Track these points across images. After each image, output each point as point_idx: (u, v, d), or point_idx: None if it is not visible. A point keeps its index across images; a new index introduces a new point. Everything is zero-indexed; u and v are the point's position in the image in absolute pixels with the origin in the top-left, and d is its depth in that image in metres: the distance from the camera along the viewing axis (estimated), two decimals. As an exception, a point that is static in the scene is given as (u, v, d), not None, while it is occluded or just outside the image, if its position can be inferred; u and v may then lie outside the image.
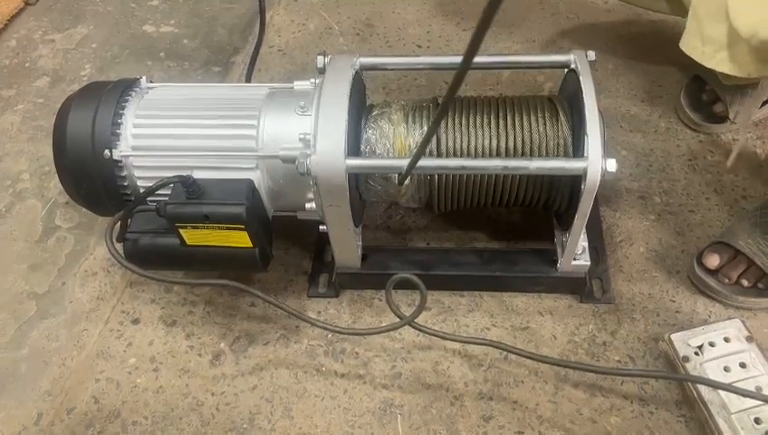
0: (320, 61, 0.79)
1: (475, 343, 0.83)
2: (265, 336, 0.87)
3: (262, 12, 1.04)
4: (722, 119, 1.05)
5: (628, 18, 1.27)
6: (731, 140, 1.06)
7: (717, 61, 0.84)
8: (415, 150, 0.78)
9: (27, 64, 1.31)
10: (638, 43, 1.24)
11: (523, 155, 0.77)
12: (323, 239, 0.90)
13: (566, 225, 0.81)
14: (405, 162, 0.76)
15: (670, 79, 1.16)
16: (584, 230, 0.79)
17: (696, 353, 0.77)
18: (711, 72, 0.92)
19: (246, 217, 0.73)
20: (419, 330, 0.79)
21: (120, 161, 0.79)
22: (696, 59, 0.87)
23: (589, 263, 0.83)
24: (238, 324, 0.89)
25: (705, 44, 0.85)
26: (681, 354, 0.77)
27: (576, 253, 0.82)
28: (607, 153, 0.71)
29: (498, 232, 0.95)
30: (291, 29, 1.32)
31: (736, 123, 1.04)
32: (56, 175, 1.07)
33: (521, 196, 0.81)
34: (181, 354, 0.86)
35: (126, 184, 0.80)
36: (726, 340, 0.78)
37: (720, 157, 1.04)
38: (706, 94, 1.07)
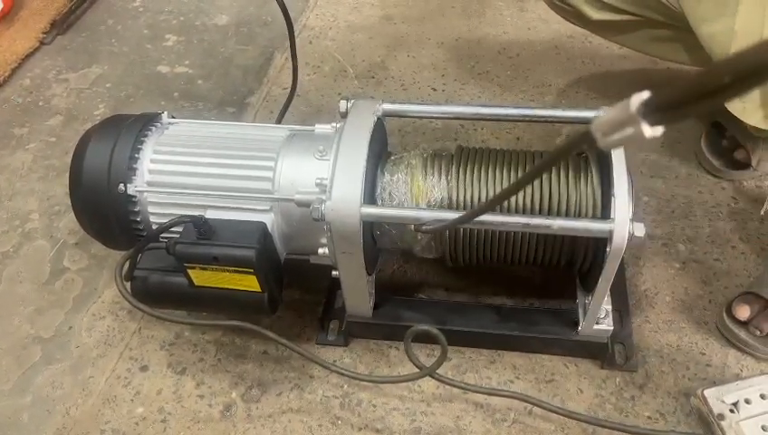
0: (342, 105, 0.77)
1: (498, 395, 0.79)
2: (278, 386, 0.84)
3: (294, 59, 1.04)
4: (744, 165, 1.04)
5: (644, 65, 1.27)
6: (754, 187, 1.04)
7: (759, 118, 0.85)
8: (434, 200, 0.76)
9: (40, 103, 1.31)
10: (655, 89, 1.23)
11: (548, 212, 0.73)
12: (335, 285, 0.87)
13: (589, 286, 0.76)
14: (421, 212, 0.74)
15: (689, 125, 1.15)
16: (608, 293, 0.74)
17: (732, 411, 0.73)
18: (733, 118, 0.91)
19: (256, 261, 0.71)
20: (441, 381, 0.76)
21: (135, 196, 0.77)
22: (737, 115, 0.87)
23: (612, 328, 0.79)
24: (250, 372, 0.85)
25: (745, 101, 0.85)
26: (716, 412, 0.74)
27: (599, 316, 0.78)
28: (636, 216, 0.67)
29: (517, 288, 0.92)
30: (306, 71, 1.32)
31: (758, 170, 1.03)
32: (66, 215, 1.06)
33: (541, 255, 0.78)
34: (191, 404, 0.83)
35: (139, 220, 0.79)
36: (763, 397, 0.74)
37: (744, 204, 1.01)
38: (727, 141, 1.06)
